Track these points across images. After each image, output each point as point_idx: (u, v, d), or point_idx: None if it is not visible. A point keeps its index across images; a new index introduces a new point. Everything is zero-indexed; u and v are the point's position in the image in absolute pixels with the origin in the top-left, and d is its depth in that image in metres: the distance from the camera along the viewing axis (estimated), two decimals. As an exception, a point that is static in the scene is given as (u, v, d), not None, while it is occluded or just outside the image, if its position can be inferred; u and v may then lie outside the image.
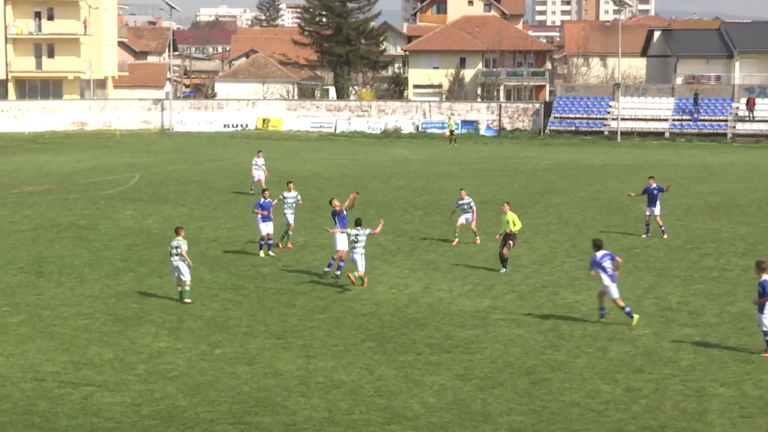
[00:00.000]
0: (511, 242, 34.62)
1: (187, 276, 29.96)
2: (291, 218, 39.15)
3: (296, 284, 32.29)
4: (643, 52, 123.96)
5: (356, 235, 31.72)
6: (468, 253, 37.84)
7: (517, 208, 47.24)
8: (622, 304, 27.41)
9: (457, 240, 39.76)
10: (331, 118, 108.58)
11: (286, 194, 39.40)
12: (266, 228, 37.25)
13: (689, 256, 37.43)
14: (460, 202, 40.03)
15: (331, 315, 28.34)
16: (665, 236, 41.07)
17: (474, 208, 40.10)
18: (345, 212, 34.86)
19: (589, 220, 46.28)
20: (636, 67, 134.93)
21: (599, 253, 27.39)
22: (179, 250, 29.91)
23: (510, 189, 57.17)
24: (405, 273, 34.07)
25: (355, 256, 31.65)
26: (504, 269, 34.49)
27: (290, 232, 39.03)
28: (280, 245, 38.40)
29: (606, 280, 27.21)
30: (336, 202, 35.00)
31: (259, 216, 37.22)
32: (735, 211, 49.27)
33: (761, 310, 24.31)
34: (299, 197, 40.27)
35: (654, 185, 41.47)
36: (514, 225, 34.69)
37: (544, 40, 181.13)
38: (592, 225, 44.70)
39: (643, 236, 41.43)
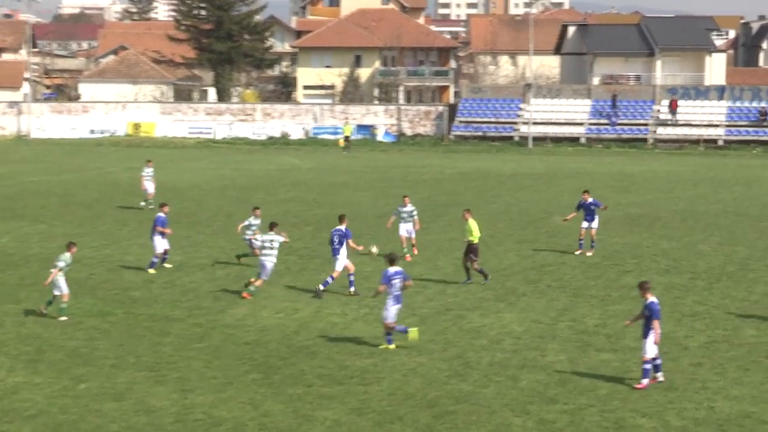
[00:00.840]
0: (471, 254, 35.91)
1: (65, 290, 30.73)
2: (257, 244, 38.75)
3: (171, 309, 32.01)
4: (557, 50, 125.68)
5: (271, 240, 33.58)
6: (364, 272, 37.77)
7: (419, 222, 47.54)
8: (395, 327, 27.65)
9: (408, 255, 40.76)
10: (210, 122, 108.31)
11: (253, 221, 39.34)
12: (163, 245, 38.03)
13: (607, 274, 37.89)
14: (402, 209, 40.93)
15: (211, 344, 28.11)
16: (590, 252, 41.52)
17: (415, 216, 41.39)
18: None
19: (498, 234, 46.62)
20: (549, 66, 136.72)
21: (392, 269, 27.66)
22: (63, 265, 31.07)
23: (411, 201, 57.29)
24: (293, 296, 33.98)
25: (266, 261, 33.68)
26: (467, 280, 36.01)
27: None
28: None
29: (391, 300, 27.52)
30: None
31: (158, 232, 37.82)
32: (657, 223, 50.06)
33: (645, 335, 24.46)
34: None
35: (590, 200, 42.07)
36: (471, 234, 36.04)
37: (448, 36, 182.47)
38: (501, 241, 45.06)
39: (577, 253, 41.82)
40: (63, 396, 23.54)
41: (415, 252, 41.21)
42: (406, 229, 40.97)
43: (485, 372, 25.53)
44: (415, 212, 41.43)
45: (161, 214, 38.37)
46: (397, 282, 27.56)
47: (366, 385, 24.44)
